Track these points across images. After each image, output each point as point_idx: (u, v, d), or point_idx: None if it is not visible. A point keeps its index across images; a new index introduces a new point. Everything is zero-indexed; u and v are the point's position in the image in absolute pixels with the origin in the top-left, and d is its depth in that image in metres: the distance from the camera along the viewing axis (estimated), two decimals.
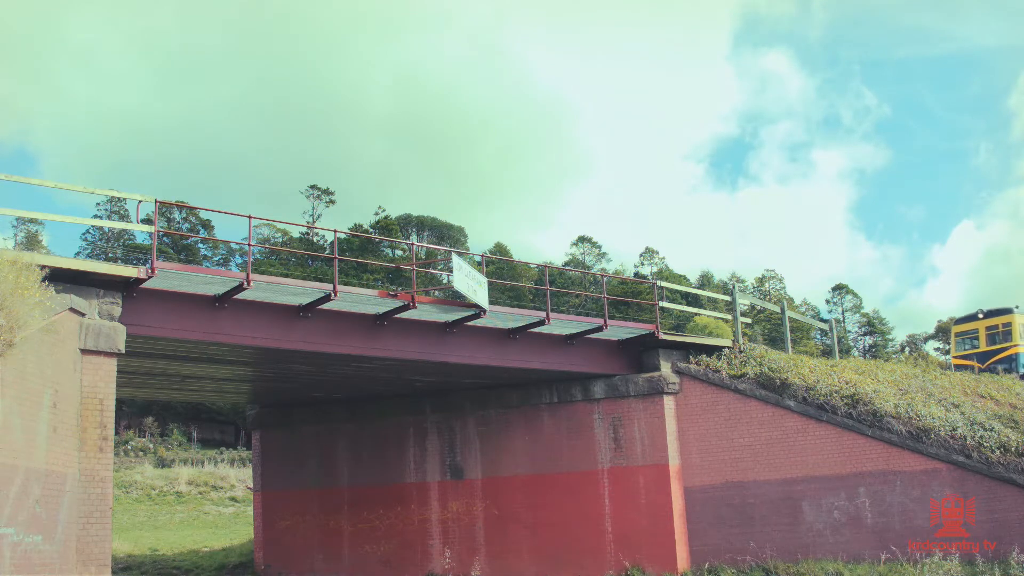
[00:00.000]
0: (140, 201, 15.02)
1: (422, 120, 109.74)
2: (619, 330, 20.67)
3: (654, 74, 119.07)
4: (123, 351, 14.02)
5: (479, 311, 17.90)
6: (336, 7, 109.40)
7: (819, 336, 72.09)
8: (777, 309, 25.01)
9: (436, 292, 18.96)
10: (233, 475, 45.32)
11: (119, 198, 50.52)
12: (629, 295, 58.12)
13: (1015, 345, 33.39)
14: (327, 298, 16.13)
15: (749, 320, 23.87)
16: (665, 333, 21.06)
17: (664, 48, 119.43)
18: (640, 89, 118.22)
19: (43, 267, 12.65)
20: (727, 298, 23.94)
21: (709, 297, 56.74)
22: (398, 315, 17.42)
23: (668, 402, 20.81)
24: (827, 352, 29.00)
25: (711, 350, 21.79)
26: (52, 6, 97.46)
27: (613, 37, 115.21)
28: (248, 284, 15.02)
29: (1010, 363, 33.11)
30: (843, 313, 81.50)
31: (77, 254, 61.00)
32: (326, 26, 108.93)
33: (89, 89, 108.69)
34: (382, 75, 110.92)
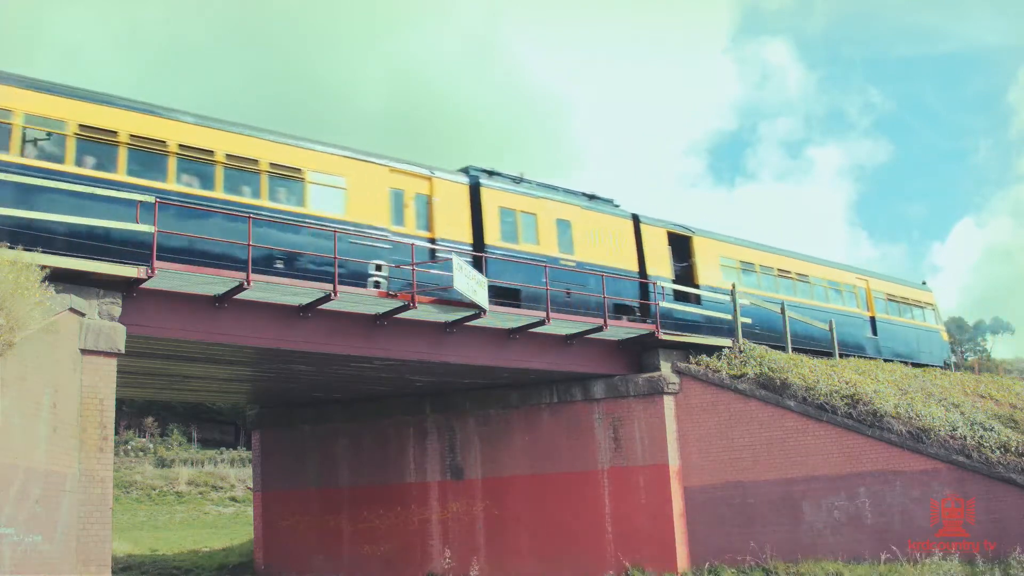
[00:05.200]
0: (139, 201, 15.02)
1: (416, 116, 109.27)
2: (619, 330, 20.66)
3: (651, 68, 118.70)
4: (123, 351, 14.01)
5: (479, 311, 17.91)
6: (329, 1, 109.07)
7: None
8: (777, 309, 24.94)
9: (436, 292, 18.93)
10: (233, 475, 45.30)
11: None
12: None
13: None
14: (327, 298, 16.13)
15: (749, 320, 23.81)
16: (665, 333, 21.06)
17: (661, 42, 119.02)
18: (636, 83, 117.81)
19: (43, 267, 12.66)
20: (727, 297, 23.86)
21: None
22: (398, 315, 17.42)
23: (668, 402, 20.80)
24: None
25: (711, 350, 21.79)
26: (40, 4, 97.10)
27: (609, 31, 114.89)
28: (248, 284, 15.01)
29: None
30: None
31: None
32: (319, 20, 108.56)
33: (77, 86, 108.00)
34: (375, 70, 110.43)
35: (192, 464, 46.77)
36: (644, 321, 21.30)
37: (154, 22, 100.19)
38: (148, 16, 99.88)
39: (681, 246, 24.92)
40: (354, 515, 23.92)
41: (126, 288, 14.34)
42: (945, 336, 34.81)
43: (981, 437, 19.07)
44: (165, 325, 15.25)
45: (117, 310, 14.11)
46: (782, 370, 20.64)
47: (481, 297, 17.74)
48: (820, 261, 29.72)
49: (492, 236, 20.41)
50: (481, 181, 20.78)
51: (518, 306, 19.41)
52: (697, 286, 24.49)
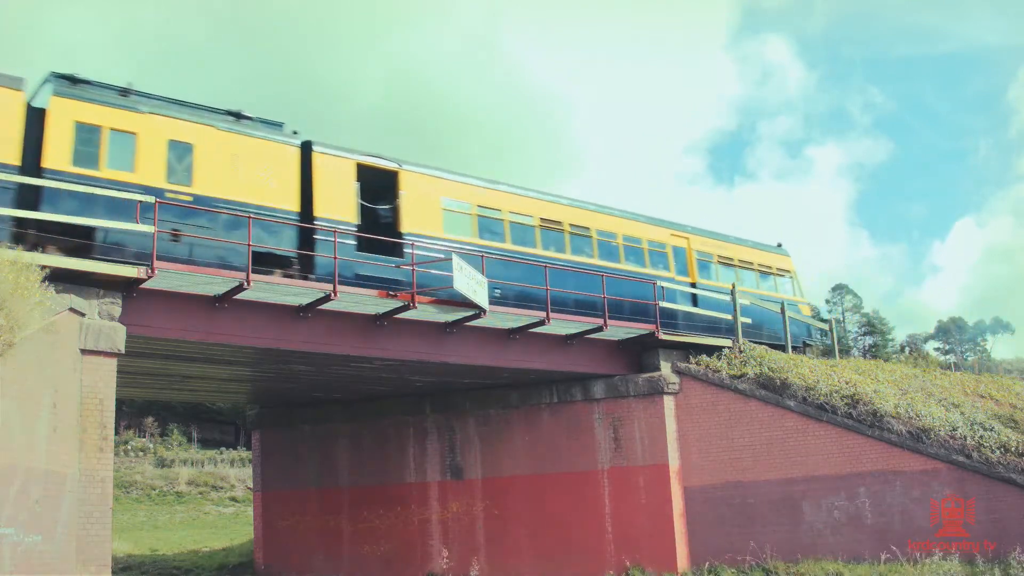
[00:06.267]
0: (140, 201, 15.02)
1: (416, 116, 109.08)
2: (619, 330, 20.66)
3: (651, 68, 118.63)
4: (123, 351, 14.02)
5: (479, 311, 17.90)
6: (329, 1, 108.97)
7: (819, 336, 71.85)
8: (776, 309, 24.95)
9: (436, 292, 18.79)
10: (233, 475, 45.32)
11: None
12: None
13: None
14: (327, 298, 16.13)
15: (749, 320, 23.78)
16: (665, 333, 21.06)
17: (661, 42, 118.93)
18: (636, 83, 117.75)
19: (43, 267, 12.67)
20: (727, 298, 23.86)
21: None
22: (398, 315, 17.42)
23: (668, 402, 20.80)
24: (827, 352, 28.84)
25: (711, 350, 21.79)
26: (39, 4, 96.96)
27: (609, 31, 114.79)
28: (248, 284, 15.02)
29: None
30: (843, 313, 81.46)
31: None
32: (318, 20, 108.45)
33: None
34: (375, 70, 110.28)
35: (192, 464, 46.77)
36: (306, 277, 17.04)
37: (153, 21, 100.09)
38: (147, 15, 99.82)
39: (384, 184, 19.47)
40: (354, 515, 23.92)
41: (126, 288, 14.35)
42: (807, 311, 28.76)
43: (981, 437, 19.07)
44: (165, 325, 15.26)
45: (117, 310, 14.12)
46: (782, 370, 20.65)
47: (481, 297, 17.74)
48: (612, 211, 23.68)
49: (57, 158, 15.18)
50: (55, 89, 15.68)
51: (90, 249, 14.99)
52: (401, 235, 19.14)
